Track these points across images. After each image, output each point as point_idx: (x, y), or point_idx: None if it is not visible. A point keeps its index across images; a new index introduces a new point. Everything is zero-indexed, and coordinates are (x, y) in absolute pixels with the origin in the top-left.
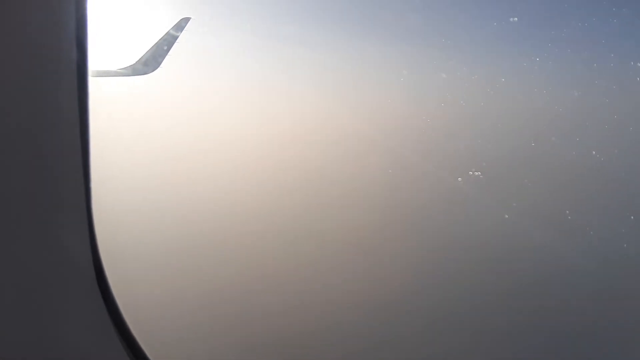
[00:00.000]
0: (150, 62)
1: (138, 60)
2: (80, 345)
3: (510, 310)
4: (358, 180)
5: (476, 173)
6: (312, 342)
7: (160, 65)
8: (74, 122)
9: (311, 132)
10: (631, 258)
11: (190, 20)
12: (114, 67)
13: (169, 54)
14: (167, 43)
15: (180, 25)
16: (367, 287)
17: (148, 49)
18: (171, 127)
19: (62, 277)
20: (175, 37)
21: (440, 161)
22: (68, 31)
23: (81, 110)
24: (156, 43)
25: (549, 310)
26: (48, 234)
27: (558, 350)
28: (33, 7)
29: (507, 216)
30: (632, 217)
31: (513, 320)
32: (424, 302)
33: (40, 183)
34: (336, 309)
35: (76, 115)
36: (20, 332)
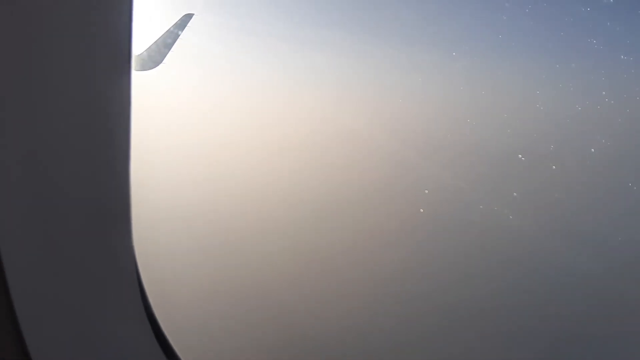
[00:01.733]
0: (152, 58)
1: (140, 56)
2: (121, 343)
3: (511, 310)
4: (359, 181)
5: (478, 173)
6: (321, 343)
7: (162, 62)
8: (126, 124)
9: (312, 131)
10: (631, 258)
11: (193, 17)
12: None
13: (171, 50)
14: (169, 39)
15: (183, 22)
16: (373, 289)
17: (150, 45)
18: (172, 124)
19: (108, 278)
20: (178, 34)
21: (441, 161)
22: (122, 33)
23: (128, 111)
24: (158, 39)
25: (550, 311)
26: (99, 236)
27: (558, 351)
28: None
29: (511, 217)
30: (633, 217)
31: (513, 321)
32: (427, 302)
33: (93, 185)
34: (344, 310)
35: (128, 117)
36: (65, 331)
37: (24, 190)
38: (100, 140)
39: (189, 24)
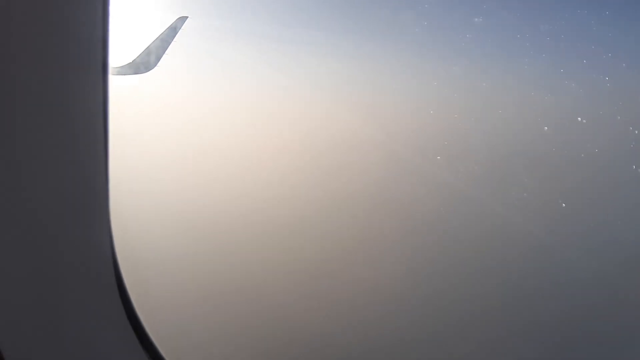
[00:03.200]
0: (147, 61)
1: (134, 59)
2: (99, 345)
3: (512, 310)
4: (358, 182)
5: (477, 173)
6: (318, 344)
7: (157, 65)
8: (99, 121)
9: (309, 133)
10: (631, 258)
11: (187, 19)
12: (110, 67)
13: (165, 53)
14: (163, 42)
15: (177, 24)
16: (372, 289)
17: (144, 48)
18: (167, 126)
19: (84, 275)
20: (172, 36)
21: (441, 162)
22: (95, 30)
23: (104, 110)
24: (152, 42)
25: (550, 310)
26: (75, 235)
27: (560, 350)
28: (60, 6)
29: (513, 217)
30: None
31: (515, 321)
32: (426, 302)
33: (66, 181)
34: (342, 310)
35: (101, 114)
36: (40, 331)
37: None
38: (73, 140)
39: (182, 27)
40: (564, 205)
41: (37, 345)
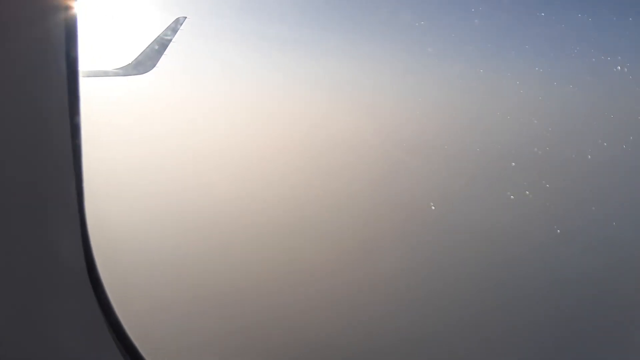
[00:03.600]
0: (145, 62)
1: (133, 60)
2: (74, 344)
3: (512, 309)
4: (357, 181)
5: (477, 172)
6: (315, 344)
7: (156, 65)
8: (64, 123)
9: (306, 132)
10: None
11: (185, 20)
12: (109, 67)
13: (163, 54)
14: (161, 43)
15: (175, 25)
16: (373, 289)
17: (143, 49)
18: (166, 126)
19: (54, 276)
20: (170, 38)
21: (439, 161)
22: (57, 36)
23: (71, 113)
24: (151, 43)
25: (549, 310)
26: (39, 234)
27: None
28: (23, 14)
29: (510, 215)
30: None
31: (515, 322)
32: (426, 302)
33: (31, 183)
34: (338, 310)
35: (66, 117)
36: (14, 332)
37: None
38: (38, 139)
39: (181, 28)
40: (564, 203)
41: (13, 345)
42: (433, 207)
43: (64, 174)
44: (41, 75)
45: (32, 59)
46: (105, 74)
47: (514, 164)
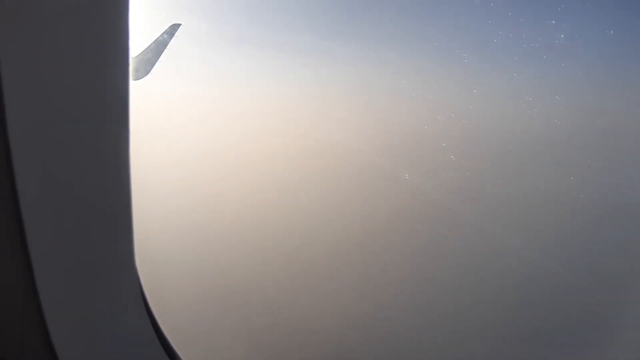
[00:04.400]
0: (140, 68)
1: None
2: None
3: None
4: (361, 184)
5: (477, 175)
6: (316, 345)
7: (150, 72)
8: (125, 124)
9: (305, 138)
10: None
11: (180, 26)
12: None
13: (158, 60)
14: (156, 50)
15: (170, 32)
16: (378, 290)
17: (137, 55)
18: (161, 134)
19: (111, 282)
20: (165, 44)
21: (436, 168)
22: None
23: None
24: (145, 50)
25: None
26: (95, 240)
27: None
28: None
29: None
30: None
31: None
32: (427, 305)
33: (90, 187)
34: (354, 312)
35: (127, 117)
36: (67, 334)
37: (30, 191)
38: (100, 141)
39: (176, 34)
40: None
41: (66, 348)
42: (435, 208)
43: (123, 177)
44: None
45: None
46: None
47: (522, 161)
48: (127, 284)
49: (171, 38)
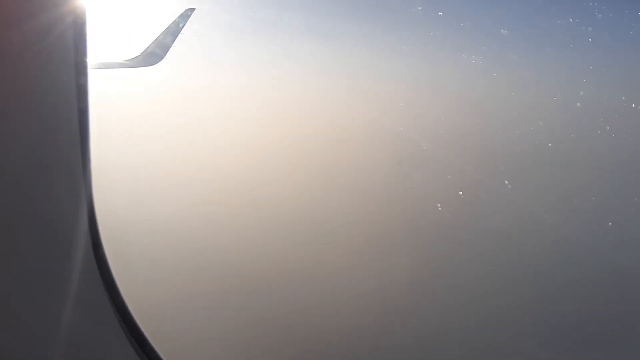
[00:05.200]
0: (155, 53)
1: (143, 52)
2: (88, 342)
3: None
4: (363, 177)
5: (484, 169)
6: (318, 345)
7: (165, 57)
8: (72, 118)
9: (316, 125)
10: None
11: (195, 11)
12: (119, 59)
13: (173, 45)
14: (171, 34)
15: (185, 16)
16: (379, 289)
17: (152, 41)
18: (175, 118)
19: (65, 273)
20: (180, 29)
21: (447, 159)
22: (65, 31)
23: (80, 107)
24: (160, 34)
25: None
26: (49, 230)
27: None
28: (31, 8)
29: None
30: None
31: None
32: (431, 302)
33: (40, 177)
34: (345, 311)
35: (74, 112)
36: (26, 330)
37: None
38: (49, 140)
39: (191, 18)
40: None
41: (27, 345)
42: (440, 206)
43: (74, 169)
44: (49, 70)
45: (38, 54)
46: (114, 65)
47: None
48: (90, 285)
49: (185, 23)
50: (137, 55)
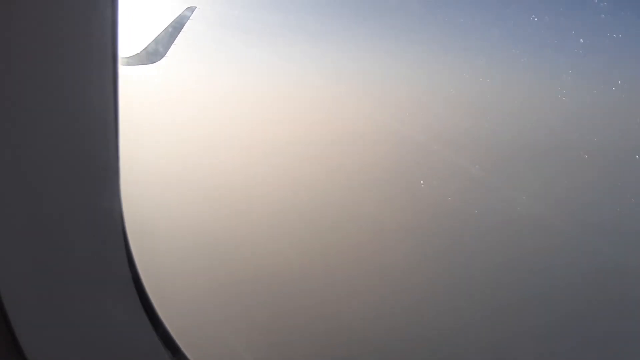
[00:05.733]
0: (156, 51)
1: (143, 50)
2: (119, 342)
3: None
4: (369, 176)
5: (480, 171)
6: (321, 343)
7: (166, 55)
8: (110, 118)
9: (317, 123)
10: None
11: (196, 9)
12: (120, 57)
13: (174, 43)
14: (172, 32)
15: (186, 14)
16: (382, 288)
17: (153, 38)
18: (176, 116)
19: (99, 274)
20: (181, 27)
21: (445, 159)
22: (104, 31)
23: (115, 106)
24: (161, 32)
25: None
26: (84, 234)
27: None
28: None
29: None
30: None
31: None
32: (434, 302)
33: (77, 179)
34: (350, 310)
35: (112, 111)
36: (58, 330)
37: (17, 192)
38: (85, 139)
39: (191, 17)
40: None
41: (55, 341)
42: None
43: (109, 173)
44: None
45: (79, 51)
46: None
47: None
48: (118, 282)
49: (186, 21)
50: (138, 52)
